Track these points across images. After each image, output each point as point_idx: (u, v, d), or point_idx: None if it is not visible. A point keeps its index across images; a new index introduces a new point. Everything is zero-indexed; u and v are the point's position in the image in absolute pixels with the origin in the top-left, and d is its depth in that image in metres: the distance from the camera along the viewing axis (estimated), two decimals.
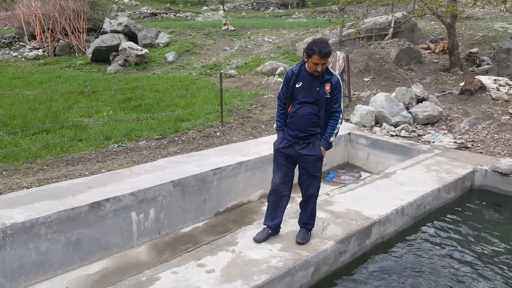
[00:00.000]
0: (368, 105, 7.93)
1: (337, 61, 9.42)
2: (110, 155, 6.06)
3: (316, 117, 3.70)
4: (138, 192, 4.48)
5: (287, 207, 4.14)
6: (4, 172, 5.25)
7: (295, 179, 3.97)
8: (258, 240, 3.82)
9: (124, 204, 4.37)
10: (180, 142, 6.83)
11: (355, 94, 9.62)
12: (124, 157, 5.98)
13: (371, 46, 12.73)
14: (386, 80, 10.67)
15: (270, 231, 3.91)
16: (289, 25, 20.43)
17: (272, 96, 10.01)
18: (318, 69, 3.57)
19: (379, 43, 13.01)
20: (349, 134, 7.15)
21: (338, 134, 6.79)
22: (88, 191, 4.38)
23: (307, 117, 3.70)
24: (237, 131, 7.42)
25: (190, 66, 15.30)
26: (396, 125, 7.54)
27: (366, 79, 10.62)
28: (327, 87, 3.65)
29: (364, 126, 7.53)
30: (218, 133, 7.28)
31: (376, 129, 7.46)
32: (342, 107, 3.78)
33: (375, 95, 8.52)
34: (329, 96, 3.67)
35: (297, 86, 3.73)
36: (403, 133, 7.27)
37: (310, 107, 3.69)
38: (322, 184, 6.40)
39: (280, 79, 11.89)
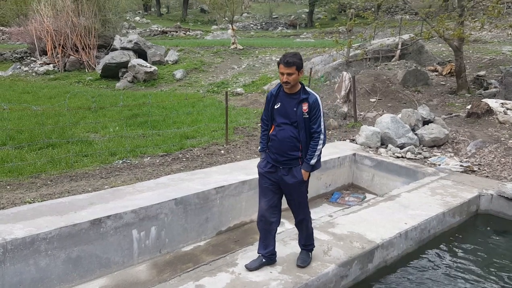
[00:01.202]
0: (374, 126, 7.91)
1: (343, 82, 9.44)
2: (114, 172, 6.07)
3: (295, 140, 3.55)
4: (140, 209, 4.47)
5: (288, 228, 4.09)
6: (8, 187, 5.27)
7: (285, 203, 3.84)
8: (250, 268, 3.68)
9: (125, 222, 4.35)
10: (184, 159, 6.84)
11: (361, 115, 9.61)
12: (128, 173, 5.99)
13: (378, 67, 12.77)
14: (393, 101, 10.66)
15: (264, 260, 3.76)
16: (297, 45, 20.62)
17: None
18: (283, 79, 3.45)
19: (386, 64, 13.06)
20: (354, 155, 7.12)
21: (343, 155, 6.85)
22: (89, 208, 4.37)
23: (287, 141, 3.57)
24: (242, 150, 7.42)
25: (197, 83, 15.43)
26: (402, 146, 7.49)
27: (373, 100, 10.62)
28: (305, 107, 3.52)
29: (370, 147, 7.49)
30: (222, 151, 7.28)
31: (382, 150, 7.42)
32: (322, 127, 3.60)
33: (381, 116, 8.50)
34: (308, 116, 3.53)
35: (275, 107, 3.63)
36: (408, 155, 7.21)
37: (289, 130, 3.56)
38: (325, 205, 6.45)
39: None
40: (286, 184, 3.64)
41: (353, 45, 12.94)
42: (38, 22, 19.87)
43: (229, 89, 13.78)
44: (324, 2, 36.21)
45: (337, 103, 9.80)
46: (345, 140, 8.02)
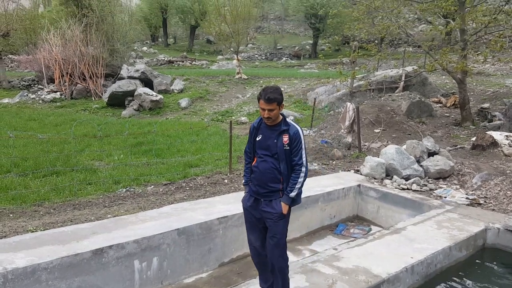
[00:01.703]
0: (378, 157, 7.89)
1: (347, 112, 9.50)
2: (117, 200, 6.04)
3: (276, 171, 3.52)
4: (142, 239, 4.42)
5: (293, 260, 4.01)
6: (11, 215, 5.25)
7: None
8: None
9: (127, 252, 4.29)
10: (187, 188, 6.81)
11: (365, 145, 9.61)
12: (131, 202, 5.96)
13: (382, 98, 12.86)
14: (397, 132, 10.67)
15: None
16: (300, 75, 20.89)
17: None
18: (265, 115, 3.45)
19: (390, 95, 13.16)
20: (359, 186, 7.07)
21: (348, 186, 6.80)
22: (92, 237, 4.33)
23: (267, 172, 3.53)
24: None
25: (202, 112, 15.57)
26: (407, 178, 7.45)
27: (377, 131, 10.64)
28: (285, 139, 3.49)
29: (375, 178, 7.45)
30: (226, 180, 7.25)
31: (387, 181, 7.37)
32: (304, 160, 3.53)
33: (385, 147, 8.49)
34: (288, 148, 3.49)
35: (257, 139, 3.62)
36: (414, 186, 7.16)
37: (270, 161, 3.53)
38: (330, 237, 6.35)
39: None
40: (265, 215, 3.57)
41: (356, 76, 13.09)
42: (47, 51, 20.29)
43: (233, 117, 13.87)
44: (327, 34, 36.81)
45: (341, 133, 9.82)
46: (349, 170, 7.98)
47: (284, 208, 3.53)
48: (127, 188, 6.65)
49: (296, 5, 36.28)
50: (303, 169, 3.53)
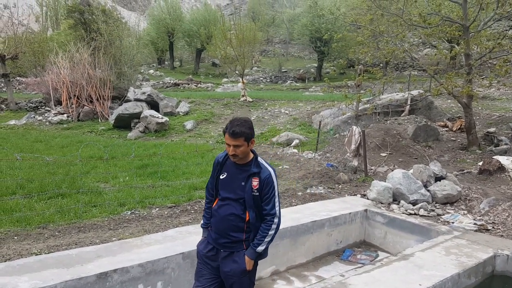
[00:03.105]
0: (385, 181, 7.83)
1: (353, 136, 9.49)
2: (122, 223, 6.01)
3: (239, 219, 3.06)
4: (147, 263, 4.37)
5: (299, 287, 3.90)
6: (16, 237, 5.22)
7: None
8: None
9: (132, 276, 4.24)
10: (192, 211, 6.77)
11: (371, 169, 9.56)
12: (136, 225, 5.92)
13: (388, 122, 12.87)
14: (404, 156, 10.63)
15: None
16: (305, 98, 21.03)
17: (287, 167, 10.02)
18: (230, 152, 3.03)
19: (396, 119, 13.17)
20: (366, 210, 6.99)
21: (355, 210, 6.73)
22: (96, 261, 4.29)
23: (229, 219, 3.07)
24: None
25: (207, 134, 15.63)
26: (414, 203, 7.38)
27: (383, 155, 10.60)
28: (255, 183, 3.02)
29: (381, 203, 7.38)
30: None
31: (394, 206, 7.30)
32: (277, 209, 3.08)
33: (392, 171, 8.44)
34: (258, 194, 3.02)
35: (221, 177, 3.17)
36: (421, 212, 7.08)
37: (233, 206, 3.06)
38: (336, 263, 6.26)
39: (296, 151, 11.97)
40: (224, 272, 3.12)
41: (362, 100, 13.15)
42: (55, 74, 20.60)
43: None
44: (332, 58, 37.20)
45: (347, 156, 9.80)
46: (356, 195, 7.92)
47: (249, 263, 3.08)
48: (132, 211, 6.62)
49: (301, 29, 36.79)
50: (276, 220, 3.09)
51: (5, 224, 5.65)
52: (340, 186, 8.48)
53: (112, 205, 6.79)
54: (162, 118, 16.64)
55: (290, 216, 6.12)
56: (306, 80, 36.07)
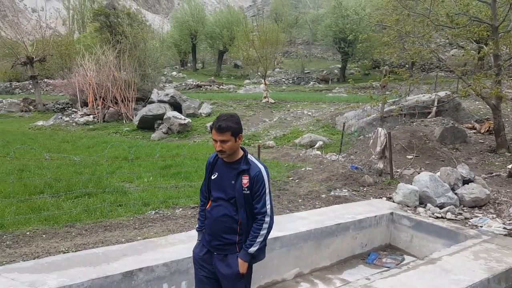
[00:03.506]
0: (411, 184, 7.69)
1: (378, 137, 9.35)
2: (147, 222, 6.07)
3: (232, 220, 2.97)
4: (171, 263, 4.39)
5: None
6: (44, 235, 5.33)
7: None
8: None
9: (157, 275, 4.26)
10: None
11: (397, 172, 9.39)
12: (160, 225, 5.97)
13: (414, 123, 12.64)
14: (430, 159, 10.41)
15: None
16: (329, 99, 20.85)
17: (310, 169, 9.94)
18: (217, 148, 2.95)
19: (422, 120, 12.92)
20: (392, 214, 6.87)
21: (380, 213, 6.61)
22: (122, 259, 4.33)
23: (221, 221, 2.99)
24: (273, 204, 7.29)
25: None
26: (441, 206, 7.20)
27: (409, 157, 10.41)
28: (245, 180, 2.93)
29: (408, 206, 7.24)
30: None
31: (420, 209, 7.15)
32: (268, 208, 2.97)
33: (418, 173, 8.28)
34: (248, 193, 2.94)
35: (212, 177, 3.10)
36: (449, 215, 6.91)
37: (225, 207, 2.99)
38: (361, 267, 6.16)
39: (319, 152, 11.87)
40: (220, 275, 3.05)
41: (387, 101, 12.95)
42: (81, 76, 21.05)
43: (260, 141, 13.88)
44: (357, 58, 36.81)
45: (372, 159, 9.66)
46: (381, 197, 7.80)
47: (242, 266, 2.97)
48: (156, 211, 6.68)
49: (324, 30, 36.55)
50: (267, 219, 2.97)
51: (34, 223, 5.78)
52: (365, 189, 8.37)
53: (136, 204, 6.87)
54: (184, 119, 16.78)
55: (313, 218, 6.06)
56: (330, 81, 35.79)
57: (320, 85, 34.02)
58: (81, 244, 4.97)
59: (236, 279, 3.00)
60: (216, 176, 3.08)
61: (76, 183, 8.01)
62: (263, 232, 2.96)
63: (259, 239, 2.96)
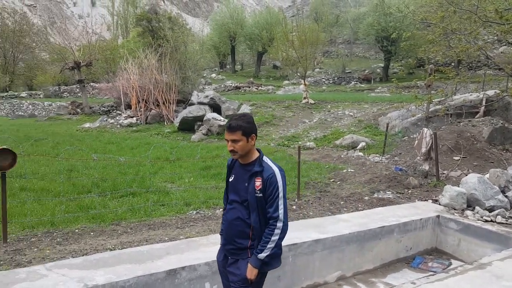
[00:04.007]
0: (458, 186, 7.39)
1: (424, 138, 9.06)
2: (189, 222, 6.15)
3: (244, 224, 2.87)
4: (213, 262, 4.41)
5: None
6: (92, 233, 5.52)
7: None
8: None
9: (199, 274, 4.31)
10: None
11: (443, 173, 9.06)
12: (202, 224, 6.04)
13: (461, 124, 12.14)
14: (478, 160, 9.97)
15: None
16: (371, 99, 20.41)
17: (352, 171, 9.77)
18: (229, 147, 2.88)
19: (469, 120, 12.39)
20: (438, 217, 6.63)
21: (426, 216, 6.39)
22: (166, 258, 4.41)
23: (234, 224, 2.91)
24: (314, 206, 7.22)
25: (268, 137, 15.65)
26: (490, 209, 6.88)
27: (456, 158, 10.01)
28: (257, 183, 2.82)
29: (454, 209, 6.96)
30: (294, 207, 7.13)
31: (468, 212, 6.86)
32: (281, 212, 2.81)
33: (466, 175, 7.95)
34: (261, 195, 2.82)
35: (230, 180, 3.03)
36: (499, 219, 6.58)
37: (238, 210, 2.91)
38: (406, 270, 5.99)
39: (361, 154, 11.64)
40: (230, 279, 2.96)
41: (433, 101, 12.52)
42: (125, 79, 21.71)
43: (299, 142, 13.79)
44: (400, 57, 35.89)
45: (417, 160, 9.37)
46: (427, 200, 7.55)
47: (250, 272, 2.82)
48: (197, 211, 6.77)
49: (366, 28, 35.90)
50: (279, 224, 2.82)
51: (82, 221, 6.01)
52: (409, 191, 8.13)
53: (178, 204, 6.99)
54: (224, 120, 16.93)
55: (356, 221, 5.94)
56: (372, 81, 35.07)
57: (362, 85, 33.41)
58: (127, 242, 5.10)
59: (243, 284, 2.87)
60: (232, 178, 3.02)
61: (121, 183, 8.25)
62: (275, 238, 2.82)
63: (270, 245, 2.81)
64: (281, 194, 2.84)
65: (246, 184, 2.87)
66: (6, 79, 47.82)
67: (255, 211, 2.84)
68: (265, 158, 2.98)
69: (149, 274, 3.99)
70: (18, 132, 17.28)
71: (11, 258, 4.56)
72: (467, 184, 7.29)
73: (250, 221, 2.86)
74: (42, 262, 4.33)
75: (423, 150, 9.13)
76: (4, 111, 34.29)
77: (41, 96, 39.85)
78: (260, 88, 32.95)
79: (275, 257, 2.93)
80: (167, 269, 4.11)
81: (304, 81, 21.38)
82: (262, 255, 2.81)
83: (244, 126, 2.85)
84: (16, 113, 31.97)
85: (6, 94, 42.19)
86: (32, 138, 14.20)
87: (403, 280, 5.27)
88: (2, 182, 5.03)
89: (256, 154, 2.98)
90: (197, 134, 16.70)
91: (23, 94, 41.61)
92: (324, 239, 5.36)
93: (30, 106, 32.38)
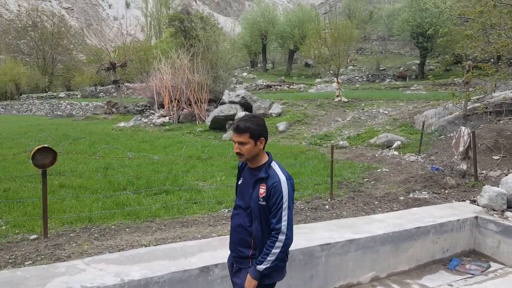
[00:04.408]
0: (498, 186, 7.12)
1: (461, 137, 8.78)
2: (221, 220, 6.20)
3: (246, 232, 2.73)
4: None
5: None
6: (127, 229, 5.65)
7: None
8: None
9: None
10: None
11: (482, 173, 8.75)
12: None
13: (501, 122, 11.69)
14: None
15: None
16: (406, 97, 19.94)
17: (387, 170, 9.58)
18: (235, 149, 2.73)
19: (510, 118, 11.90)
20: (476, 218, 6.41)
21: (463, 217, 6.19)
22: (199, 254, 4.45)
23: (237, 231, 2.78)
24: (348, 206, 7.13)
25: (300, 135, 15.57)
26: None
27: (496, 157, 9.64)
28: (261, 190, 2.65)
29: (494, 210, 6.71)
30: (327, 206, 7.07)
31: (508, 214, 6.59)
32: (284, 224, 2.62)
33: (506, 175, 7.65)
34: (264, 204, 2.65)
35: (239, 183, 2.90)
36: None
37: (241, 216, 2.77)
38: (442, 272, 5.83)
39: (396, 153, 11.41)
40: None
41: (471, 98, 12.12)
42: (158, 79, 22.10)
43: (332, 141, 13.65)
44: (436, 54, 34.92)
45: (454, 159, 9.09)
46: (464, 200, 7.31)
47: (249, 283, 2.67)
48: (229, 209, 6.81)
49: (401, 25, 35.16)
50: (281, 237, 2.62)
51: (118, 217, 6.16)
52: (446, 191, 7.90)
53: (210, 202, 7.06)
54: None
55: (391, 221, 5.83)
56: (407, 78, 34.27)
57: (397, 83, 32.69)
58: (161, 239, 5.19)
59: None
60: (241, 181, 2.88)
61: (155, 180, 8.41)
62: (275, 251, 2.62)
63: (270, 258, 2.63)
64: (285, 205, 2.64)
65: (251, 190, 2.72)
66: (46, 80, 49.86)
67: (257, 219, 2.68)
68: (273, 164, 2.79)
69: (183, 271, 4.04)
70: (57, 131, 17.93)
71: (51, 252, 4.73)
72: (507, 184, 7.02)
73: (252, 230, 2.71)
74: (81, 257, 4.46)
75: (461, 149, 8.85)
76: (44, 110, 35.70)
77: (78, 96, 41.23)
78: (291, 86, 32.81)
79: (277, 270, 2.74)
80: (200, 266, 4.15)
81: (337, 79, 21.11)
82: (261, 267, 2.64)
83: (253, 128, 2.69)
84: (55, 112, 33.21)
85: (45, 94, 43.98)
86: (70, 137, 14.71)
87: (439, 282, 5.14)
88: (43, 179, 5.22)
89: (265, 159, 2.80)
90: (228, 133, 16.81)
91: (62, 95, 43.24)
92: (358, 239, 5.28)
93: (68, 106, 33.54)
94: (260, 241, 2.67)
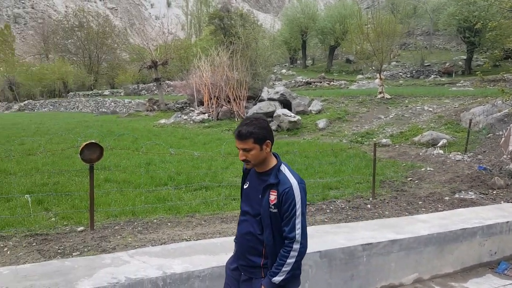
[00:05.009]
0: None
1: (510, 136, 8.39)
2: None
3: (257, 240, 2.56)
4: None
5: None
6: (169, 224, 5.77)
7: None
8: None
9: None
10: (328, 211, 6.68)
11: None
12: None
13: None
14: None
15: None
16: (452, 94, 19.23)
17: (431, 169, 9.29)
18: (240, 157, 2.56)
19: None
20: None
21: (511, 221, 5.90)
22: None
23: (246, 239, 2.61)
24: (390, 205, 6.96)
25: (340, 133, 15.35)
26: None
27: None
28: (272, 197, 2.48)
29: None
30: (368, 205, 6.93)
31: None
32: (298, 232, 2.45)
33: None
34: (276, 211, 2.48)
35: (244, 187, 2.72)
36: None
37: (250, 224, 2.59)
38: (489, 276, 5.60)
39: (442, 152, 11.03)
40: None
41: None
42: (198, 77, 22.40)
43: (374, 139, 13.37)
44: (485, 49, 33.42)
45: (503, 159, 8.69)
46: None
47: None
48: None
49: (447, 19, 33.88)
50: (296, 246, 2.46)
51: (160, 211, 6.31)
52: (494, 192, 7.57)
53: None
54: (294, 116, 16.88)
55: (436, 222, 5.65)
56: (453, 74, 33.02)
57: (443, 79, 31.54)
58: (201, 234, 5.27)
59: None
60: (247, 186, 2.71)
61: (195, 176, 8.54)
62: (290, 260, 2.47)
63: (286, 268, 2.47)
64: (298, 212, 2.47)
65: (260, 196, 2.55)
66: (91, 78, 51.82)
67: (268, 227, 2.52)
68: (282, 167, 2.60)
69: (223, 266, 4.07)
70: (102, 128, 18.57)
71: (97, 244, 4.91)
72: None
73: (263, 238, 2.55)
74: (125, 249, 4.60)
75: (510, 148, 8.47)
76: (89, 108, 37.08)
77: (121, 94, 42.55)
78: (332, 83, 32.42)
79: (293, 279, 2.59)
80: None
81: (380, 75, 20.63)
82: (277, 279, 2.48)
83: (256, 133, 2.50)
84: (100, 109, 34.42)
85: (91, 92, 45.70)
86: (115, 133, 15.19)
87: (486, 286, 4.96)
88: (90, 174, 5.42)
89: (273, 162, 2.62)
90: None
91: (106, 92, 44.78)
92: (401, 240, 5.15)
93: (112, 103, 34.67)
94: (272, 250, 2.53)
